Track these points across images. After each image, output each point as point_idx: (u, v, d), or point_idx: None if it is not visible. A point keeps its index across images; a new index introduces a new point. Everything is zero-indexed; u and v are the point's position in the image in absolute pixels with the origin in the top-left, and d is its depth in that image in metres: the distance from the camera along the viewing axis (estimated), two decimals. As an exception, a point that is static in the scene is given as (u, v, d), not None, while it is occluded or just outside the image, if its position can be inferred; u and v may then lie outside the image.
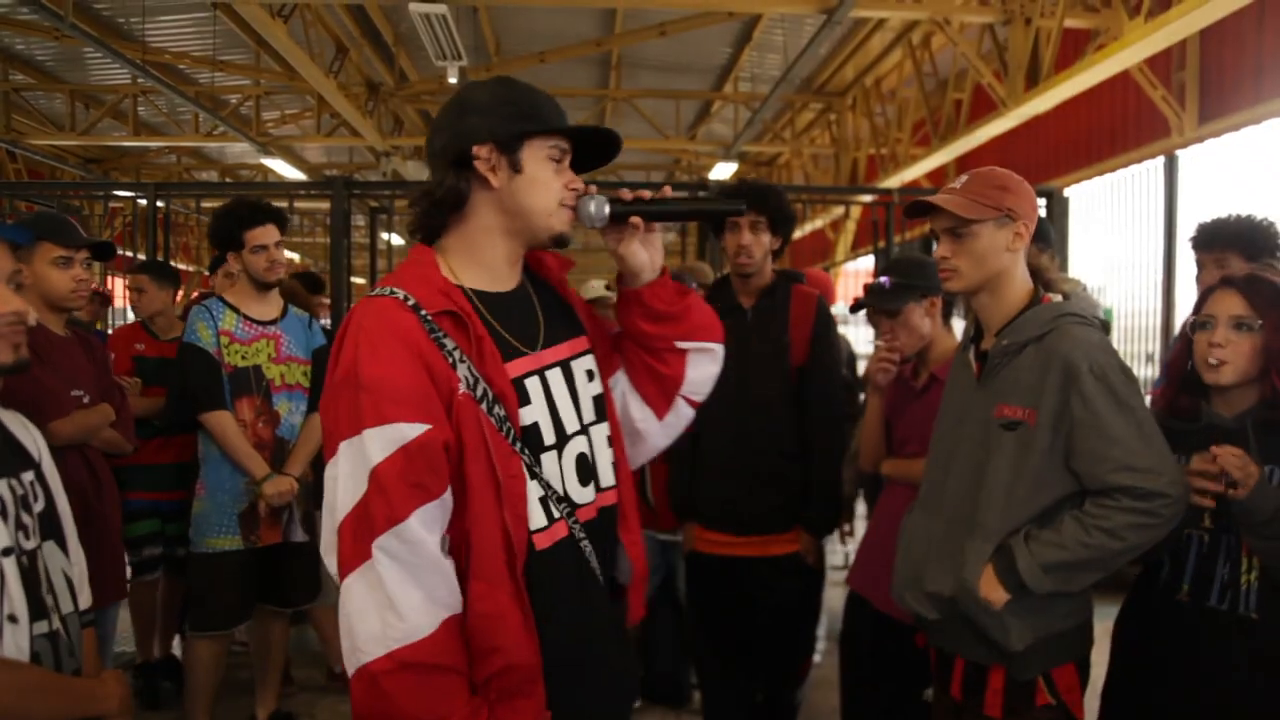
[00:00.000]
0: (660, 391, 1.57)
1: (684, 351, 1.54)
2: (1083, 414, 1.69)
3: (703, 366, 1.58)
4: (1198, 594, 1.82)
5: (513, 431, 1.32)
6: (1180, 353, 1.94)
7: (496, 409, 1.31)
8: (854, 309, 2.65)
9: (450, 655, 1.24)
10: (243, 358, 2.99)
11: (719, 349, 1.61)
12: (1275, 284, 1.81)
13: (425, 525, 1.24)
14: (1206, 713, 1.80)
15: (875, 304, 2.47)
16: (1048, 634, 1.75)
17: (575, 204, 1.41)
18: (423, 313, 1.29)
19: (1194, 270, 2.78)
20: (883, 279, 2.49)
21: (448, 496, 1.27)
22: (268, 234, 3.04)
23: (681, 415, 1.61)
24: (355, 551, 1.23)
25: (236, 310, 3.03)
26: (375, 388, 1.24)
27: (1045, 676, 1.75)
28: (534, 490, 1.33)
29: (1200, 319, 1.86)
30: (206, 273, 4.55)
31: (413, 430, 1.23)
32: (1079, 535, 1.68)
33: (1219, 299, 1.83)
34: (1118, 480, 1.68)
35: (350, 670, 1.24)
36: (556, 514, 1.35)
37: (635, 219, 1.44)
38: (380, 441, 1.23)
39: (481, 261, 1.40)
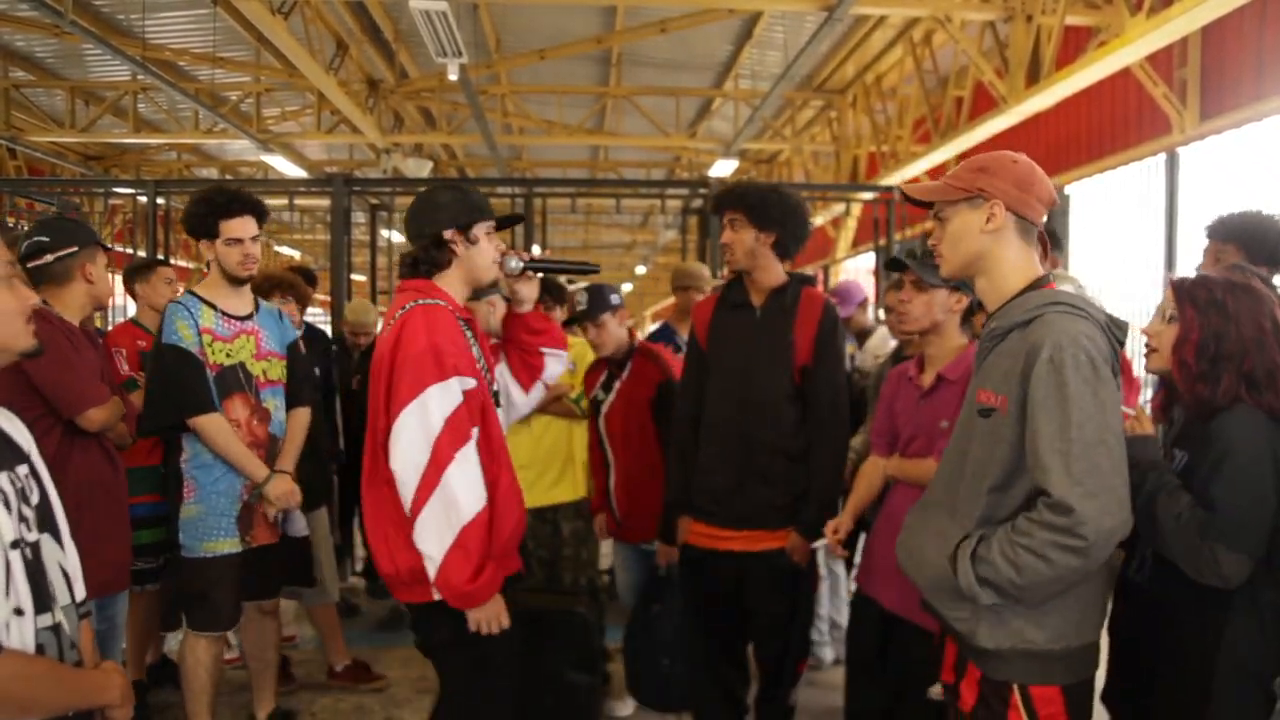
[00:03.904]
0: (530, 377, 2.50)
1: (543, 355, 2.49)
2: (1030, 402, 1.61)
3: (555, 365, 2.52)
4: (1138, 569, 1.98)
5: (493, 391, 2.26)
6: None
7: (488, 376, 2.23)
8: (890, 266, 2.63)
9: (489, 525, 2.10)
10: (227, 355, 2.89)
11: (564, 354, 2.56)
12: (1212, 286, 1.88)
13: (476, 451, 2.09)
14: (1128, 681, 1.93)
15: (914, 269, 2.46)
16: (1023, 646, 1.67)
17: (502, 260, 2.28)
18: (457, 316, 2.17)
19: (1197, 265, 2.79)
20: (931, 253, 2.49)
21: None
22: (244, 226, 2.88)
23: (539, 393, 2.55)
24: (453, 449, 2.02)
25: (213, 306, 2.91)
26: (451, 354, 2.06)
27: (1022, 690, 1.68)
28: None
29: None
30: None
31: (471, 383, 2.10)
32: (1007, 552, 1.59)
33: (1165, 297, 1.98)
34: (1038, 482, 1.59)
35: (453, 532, 2.01)
36: None
37: (528, 271, 2.37)
38: (458, 385, 2.06)
39: (457, 292, 2.24)
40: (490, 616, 2.08)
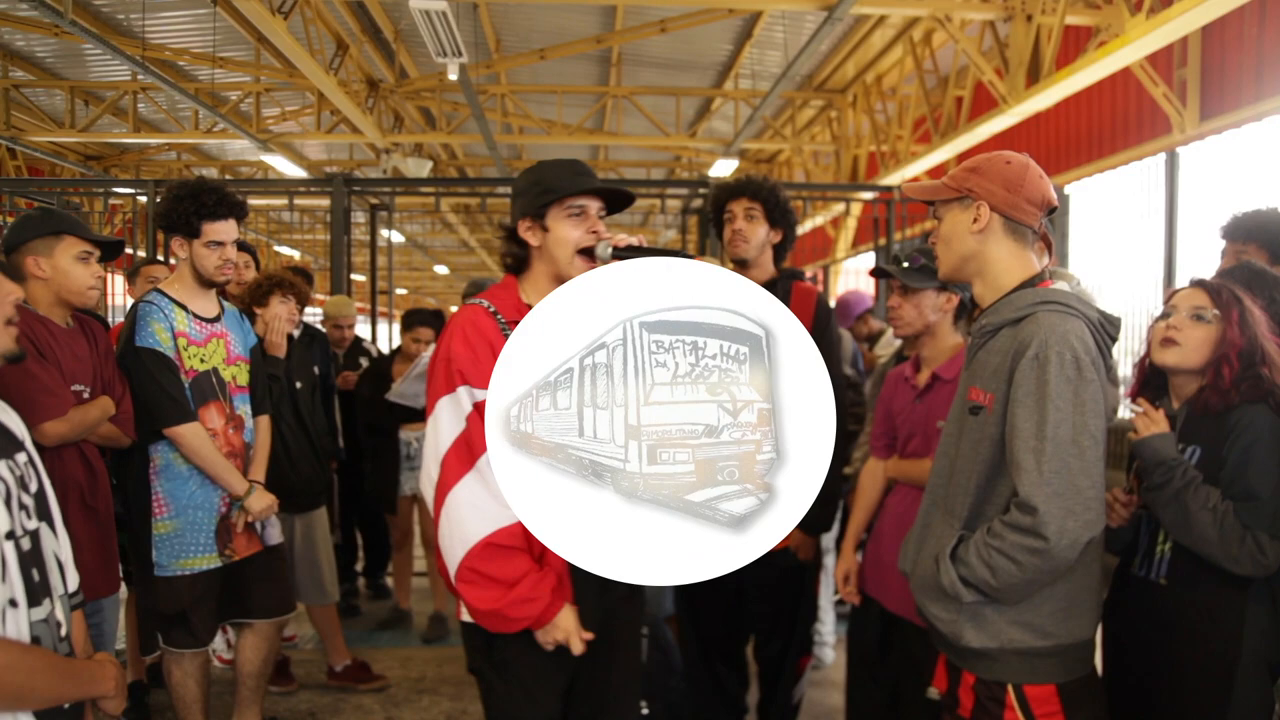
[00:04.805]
0: None
1: None
2: (1011, 399, 1.62)
3: None
4: (1142, 566, 2.00)
5: None
6: (1146, 354, 2.07)
7: None
8: (875, 274, 2.64)
9: (523, 540, 1.79)
10: (201, 360, 2.75)
11: None
12: (1239, 292, 1.94)
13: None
14: (1142, 678, 1.94)
15: (897, 276, 2.48)
16: (1012, 646, 1.66)
17: (595, 248, 1.89)
18: (499, 317, 1.89)
19: (1197, 265, 2.79)
20: (915, 256, 2.50)
21: None
22: (228, 229, 2.74)
23: None
24: (460, 469, 1.79)
25: (184, 308, 2.75)
26: (460, 361, 1.83)
27: (1016, 690, 1.68)
28: None
29: (1164, 311, 2.00)
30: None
31: (482, 394, 1.77)
32: (982, 554, 1.61)
33: (1184, 294, 1.98)
34: (1014, 479, 1.60)
35: (460, 554, 1.78)
36: None
37: (615, 259, 1.90)
38: (467, 398, 1.82)
39: (540, 290, 1.88)
40: (551, 639, 1.82)
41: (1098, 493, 1.59)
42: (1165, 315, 1.99)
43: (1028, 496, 1.55)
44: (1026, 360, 1.60)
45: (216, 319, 2.87)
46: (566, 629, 1.81)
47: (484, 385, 1.76)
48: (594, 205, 1.91)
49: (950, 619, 1.71)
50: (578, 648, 1.82)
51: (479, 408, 1.79)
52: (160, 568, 2.72)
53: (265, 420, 3.02)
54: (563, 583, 1.84)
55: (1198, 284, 1.98)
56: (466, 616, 1.91)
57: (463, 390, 1.83)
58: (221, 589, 2.82)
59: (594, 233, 1.90)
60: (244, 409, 2.90)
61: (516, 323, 1.81)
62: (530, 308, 1.81)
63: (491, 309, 1.90)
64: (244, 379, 2.92)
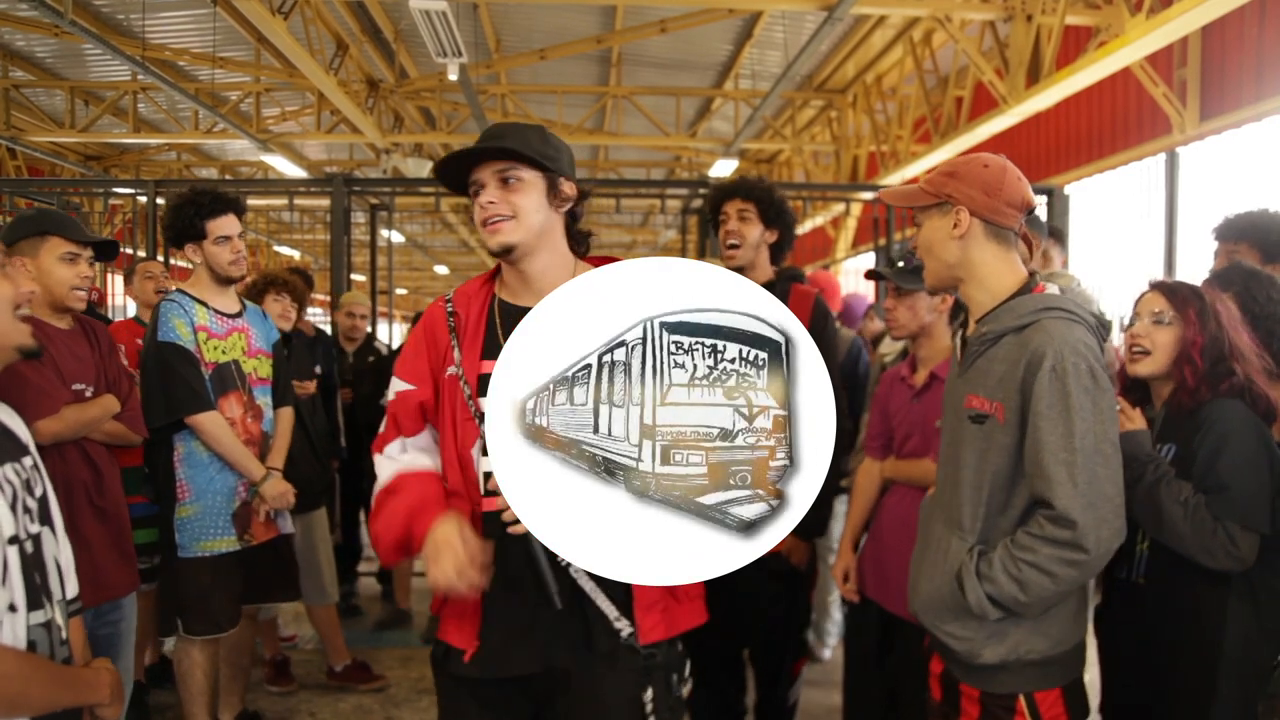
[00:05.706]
0: None
1: None
2: (1032, 411, 1.59)
3: None
4: (1123, 567, 2.01)
5: (475, 409, 1.69)
6: (1123, 362, 2.10)
7: (467, 389, 1.71)
8: (869, 276, 2.65)
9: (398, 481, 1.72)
10: (222, 352, 2.91)
11: None
12: (1195, 287, 1.99)
13: (394, 450, 1.77)
14: (1134, 679, 1.97)
15: (890, 277, 2.48)
16: (1028, 657, 1.64)
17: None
18: (450, 309, 1.77)
19: (1196, 265, 2.80)
20: (908, 257, 2.50)
21: (419, 438, 1.78)
22: (230, 224, 2.90)
23: None
24: (380, 445, 1.78)
25: (205, 304, 2.91)
26: (401, 354, 1.81)
27: (1027, 698, 1.66)
28: (485, 463, 1.65)
29: (1131, 318, 2.04)
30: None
31: (402, 385, 1.77)
32: (1010, 569, 1.58)
33: (1144, 300, 2.02)
34: (1039, 492, 1.58)
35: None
36: None
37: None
38: (393, 388, 1.78)
39: (505, 281, 1.79)
40: (434, 574, 1.56)
41: (1123, 499, 1.58)
42: (1131, 323, 2.03)
43: (1065, 510, 1.53)
44: (1044, 373, 1.57)
45: (238, 315, 3.00)
46: (435, 548, 1.56)
47: (407, 378, 1.76)
48: (489, 175, 1.65)
49: (968, 637, 1.67)
50: (456, 577, 1.53)
51: (399, 397, 1.76)
52: (182, 549, 2.84)
53: (288, 412, 3.13)
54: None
55: (1155, 286, 2.02)
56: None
57: (394, 380, 1.78)
58: (240, 573, 2.91)
59: (481, 206, 1.66)
60: (264, 400, 3.01)
61: (457, 313, 1.76)
62: (495, 299, 1.77)
63: (448, 298, 1.81)
64: (265, 371, 3.04)
